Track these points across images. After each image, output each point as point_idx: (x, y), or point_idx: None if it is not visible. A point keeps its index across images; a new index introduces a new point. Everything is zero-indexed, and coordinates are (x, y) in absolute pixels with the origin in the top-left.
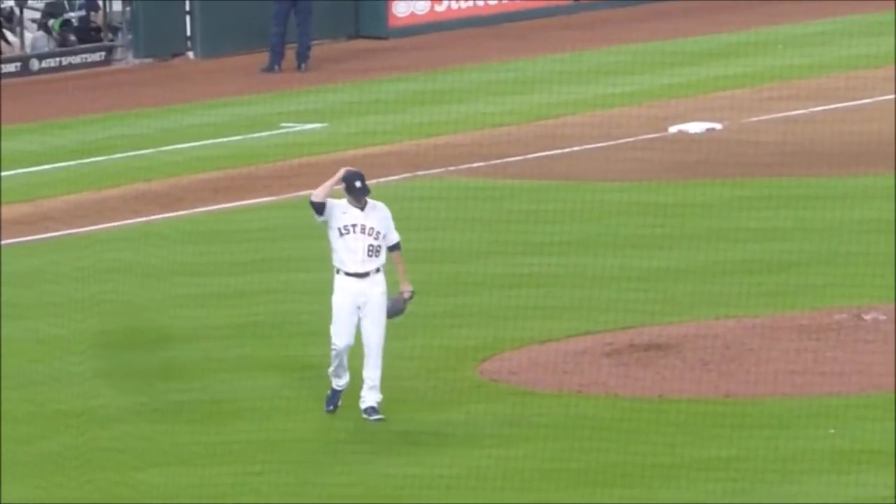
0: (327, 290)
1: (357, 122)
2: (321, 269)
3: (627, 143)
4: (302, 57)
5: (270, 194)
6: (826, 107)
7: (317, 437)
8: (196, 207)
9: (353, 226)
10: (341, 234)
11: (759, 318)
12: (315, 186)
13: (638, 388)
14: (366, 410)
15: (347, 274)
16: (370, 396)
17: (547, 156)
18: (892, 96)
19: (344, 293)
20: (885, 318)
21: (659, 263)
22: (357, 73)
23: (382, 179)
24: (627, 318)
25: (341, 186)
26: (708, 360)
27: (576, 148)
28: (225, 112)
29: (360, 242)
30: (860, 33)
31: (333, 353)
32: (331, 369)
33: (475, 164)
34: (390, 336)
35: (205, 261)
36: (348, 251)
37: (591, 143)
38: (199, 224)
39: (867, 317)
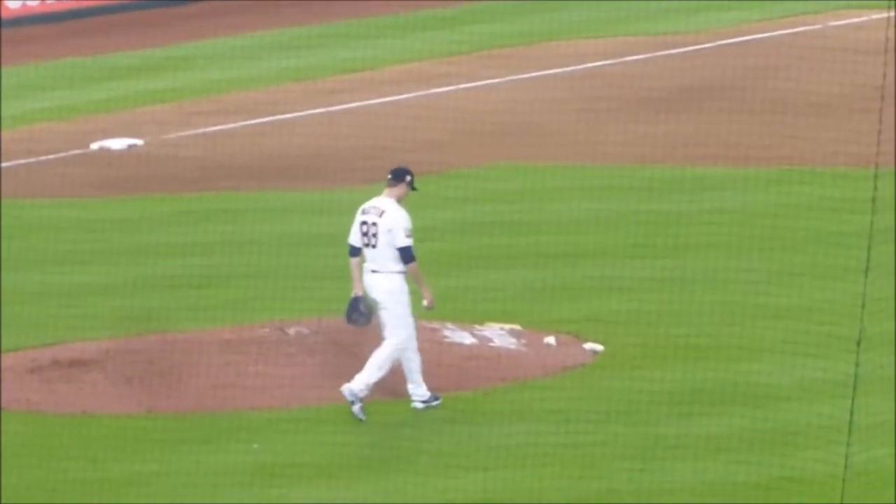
0: None
1: None
2: None
3: (50, 159)
4: None
5: None
6: (248, 122)
7: None
8: None
9: None
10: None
11: (183, 334)
12: None
13: (61, 405)
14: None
15: None
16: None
17: None
18: (318, 110)
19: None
20: (308, 331)
21: (81, 279)
22: None
23: None
24: (50, 335)
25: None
26: (131, 376)
27: None
28: None
29: None
30: (283, 46)
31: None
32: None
33: None
34: None
35: None
36: None
37: (15, 160)
38: None
39: (290, 331)
